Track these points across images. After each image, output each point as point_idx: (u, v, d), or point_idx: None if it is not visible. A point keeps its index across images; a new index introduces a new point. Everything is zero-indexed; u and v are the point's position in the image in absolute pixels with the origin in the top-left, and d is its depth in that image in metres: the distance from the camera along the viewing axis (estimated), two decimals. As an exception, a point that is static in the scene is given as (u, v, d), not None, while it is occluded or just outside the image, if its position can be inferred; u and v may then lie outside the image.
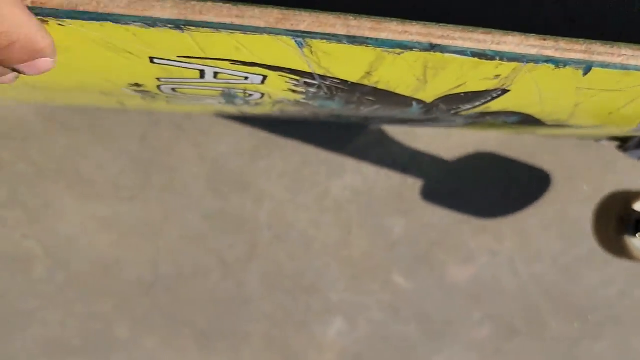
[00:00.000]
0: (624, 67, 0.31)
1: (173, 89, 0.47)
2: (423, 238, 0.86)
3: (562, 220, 0.87)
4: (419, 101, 0.43)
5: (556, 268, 0.87)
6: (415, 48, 0.30)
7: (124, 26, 0.29)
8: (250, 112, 0.59)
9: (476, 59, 0.31)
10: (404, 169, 0.85)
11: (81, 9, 0.28)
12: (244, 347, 0.86)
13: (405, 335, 0.87)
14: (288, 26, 0.29)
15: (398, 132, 0.84)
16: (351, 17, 0.29)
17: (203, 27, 0.29)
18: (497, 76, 0.34)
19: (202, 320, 0.85)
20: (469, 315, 0.88)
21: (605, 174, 0.87)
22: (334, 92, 0.42)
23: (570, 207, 0.87)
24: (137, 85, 0.46)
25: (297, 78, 0.38)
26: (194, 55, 0.33)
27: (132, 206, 0.81)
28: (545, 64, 0.31)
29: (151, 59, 0.35)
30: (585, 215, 0.86)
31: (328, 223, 0.85)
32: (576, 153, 0.86)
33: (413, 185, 0.85)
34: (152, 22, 0.29)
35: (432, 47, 0.30)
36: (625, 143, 0.69)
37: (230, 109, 0.60)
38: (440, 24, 0.29)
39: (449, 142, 0.85)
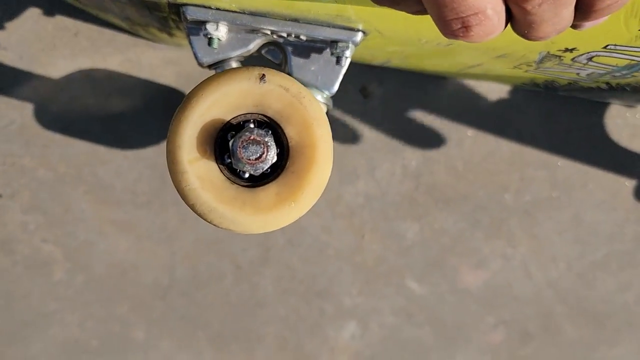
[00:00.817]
0: None
1: (590, 58, 0.48)
2: (436, 243, 0.85)
3: (577, 224, 0.86)
4: None
5: (571, 273, 0.86)
6: None
7: None
8: (581, 84, 0.61)
9: None
10: (416, 174, 0.84)
11: None
12: (257, 350, 0.86)
13: (419, 339, 0.87)
14: None
15: (410, 137, 0.84)
16: None
17: None
18: None
19: (217, 323, 0.85)
20: (482, 320, 0.87)
21: (620, 178, 0.86)
22: None
23: (585, 211, 0.86)
24: (566, 50, 0.46)
25: None
26: None
27: (148, 211, 0.82)
28: None
29: None
30: (601, 220, 0.86)
31: (341, 228, 0.84)
32: (591, 157, 0.85)
33: (426, 190, 0.84)
34: None
35: None
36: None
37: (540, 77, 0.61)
38: None
39: (461, 148, 0.84)
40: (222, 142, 0.38)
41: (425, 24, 0.43)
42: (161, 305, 0.84)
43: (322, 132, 0.38)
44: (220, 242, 0.83)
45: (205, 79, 0.39)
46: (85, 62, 0.79)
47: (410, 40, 0.50)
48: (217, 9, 0.46)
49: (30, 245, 0.82)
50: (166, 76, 0.80)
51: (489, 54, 0.51)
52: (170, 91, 0.80)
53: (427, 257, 0.85)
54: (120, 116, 0.80)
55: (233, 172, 0.39)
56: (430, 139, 0.84)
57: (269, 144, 0.37)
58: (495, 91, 0.83)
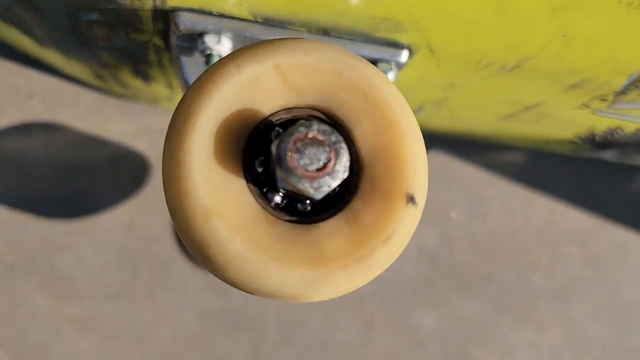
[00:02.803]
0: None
1: None
2: (456, 332, 0.81)
3: (613, 304, 0.83)
4: None
5: (606, 359, 0.83)
6: None
7: None
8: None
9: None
10: (434, 254, 0.80)
11: None
12: None
13: None
14: None
15: (426, 212, 0.76)
16: None
17: None
18: None
19: None
20: (508, 417, 0.83)
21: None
22: None
23: (622, 289, 0.83)
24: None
25: None
26: None
27: (116, 305, 0.76)
28: None
29: None
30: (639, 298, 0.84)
31: (346, 319, 0.79)
32: (628, 229, 0.83)
33: (445, 272, 0.81)
34: None
35: None
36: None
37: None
38: None
39: (485, 222, 0.81)
40: (252, 149, 0.26)
41: (493, 36, 0.37)
42: (129, 418, 0.78)
43: (408, 122, 0.26)
44: (202, 339, 0.77)
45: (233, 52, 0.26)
46: (40, 130, 0.74)
47: (468, 62, 0.41)
48: (221, 15, 0.36)
49: (-30, 350, 0.76)
50: (137, 147, 0.75)
51: (563, 81, 0.44)
52: (143, 165, 0.76)
53: (446, 349, 0.81)
54: (82, 194, 0.75)
55: (265, 198, 0.26)
56: (449, 215, 0.81)
57: (337, 146, 0.24)
58: (524, 159, 0.82)
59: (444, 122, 0.62)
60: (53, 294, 0.75)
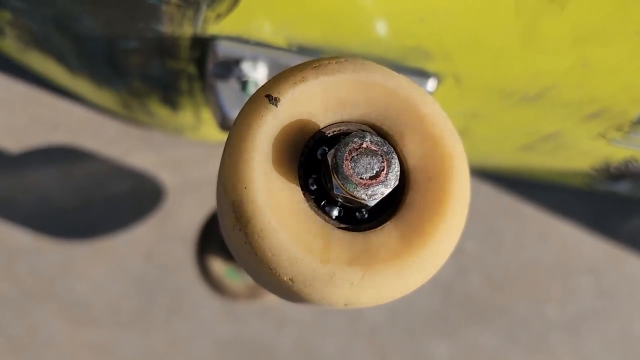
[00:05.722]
0: None
1: None
2: (468, 363, 0.80)
3: (625, 337, 0.82)
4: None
5: None
6: None
7: None
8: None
9: None
10: (447, 285, 0.79)
11: None
12: None
13: None
14: None
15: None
16: None
17: None
18: None
19: None
20: None
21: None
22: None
23: (635, 322, 0.82)
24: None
25: None
26: None
27: (133, 333, 0.75)
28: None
29: None
30: (652, 333, 0.82)
31: (360, 349, 0.78)
32: None
33: (458, 303, 0.80)
34: None
35: None
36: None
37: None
38: None
39: (499, 255, 0.80)
40: (306, 160, 0.27)
41: (517, 65, 0.38)
42: None
43: (455, 143, 0.28)
44: (217, 366, 0.76)
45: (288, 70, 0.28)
46: (64, 159, 0.74)
47: (492, 91, 0.43)
48: (258, 43, 0.38)
49: (-13, 375, 0.74)
50: (159, 177, 0.75)
51: (582, 110, 0.45)
52: (163, 195, 0.75)
53: (458, 380, 0.80)
54: (102, 222, 0.75)
55: (323, 212, 0.27)
56: (463, 246, 0.79)
57: (389, 156, 0.25)
58: (538, 192, 0.81)
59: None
60: (70, 320, 0.75)
